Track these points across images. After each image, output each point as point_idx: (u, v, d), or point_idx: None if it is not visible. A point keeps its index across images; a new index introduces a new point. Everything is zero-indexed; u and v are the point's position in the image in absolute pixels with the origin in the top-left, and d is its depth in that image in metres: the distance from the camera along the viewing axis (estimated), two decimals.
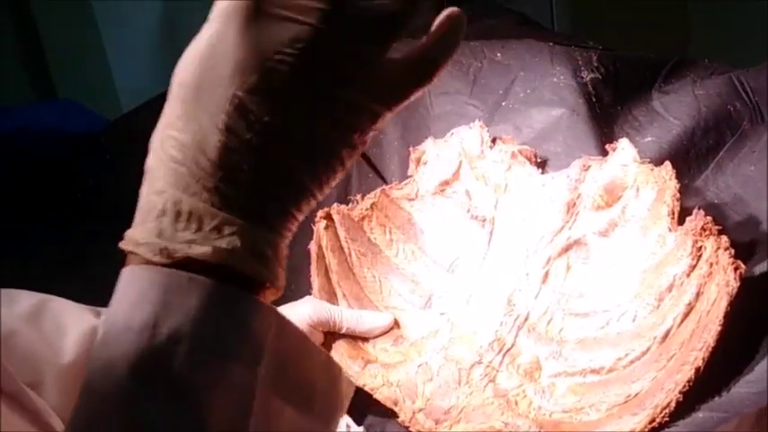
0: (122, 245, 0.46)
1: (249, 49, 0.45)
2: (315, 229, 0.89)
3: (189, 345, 0.42)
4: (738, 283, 0.65)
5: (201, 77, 0.45)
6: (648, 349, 0.68)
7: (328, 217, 0.89)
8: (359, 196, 0.94)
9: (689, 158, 0.88)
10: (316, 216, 0.89)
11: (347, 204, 0.93)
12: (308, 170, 0.47)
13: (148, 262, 0.45)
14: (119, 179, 1.10)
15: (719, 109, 0.91)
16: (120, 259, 0.47)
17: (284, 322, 0.48)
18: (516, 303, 0.77)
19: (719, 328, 0.64)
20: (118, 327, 0.43)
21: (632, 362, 0.68)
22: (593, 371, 0.69)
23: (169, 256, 0.44)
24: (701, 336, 0.64)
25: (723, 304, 0.64)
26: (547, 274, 0.79)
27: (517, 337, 0.75)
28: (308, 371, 0.50)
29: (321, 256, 0.87)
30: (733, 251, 0.68)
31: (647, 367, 0.67)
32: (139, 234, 0.45)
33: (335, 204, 0.91)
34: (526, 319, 0.76)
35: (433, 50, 0.49)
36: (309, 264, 0.88)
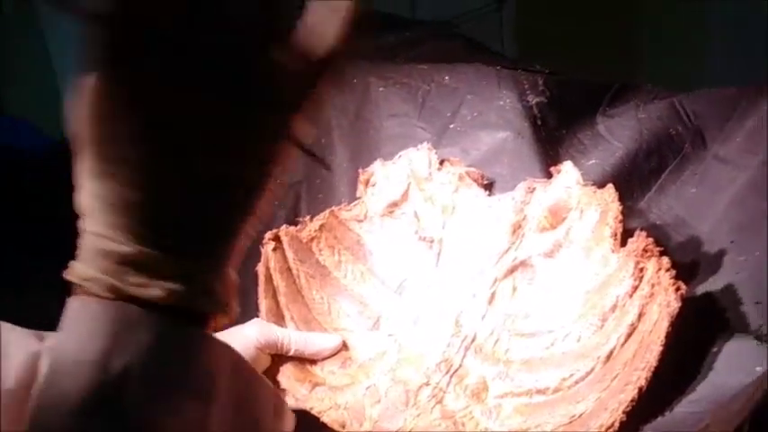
0: (69, 276, 0.45)
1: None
2: (263, 250, 0.88)
3: (141, 380, 0.42)
4: (679, 304, 0.66)
5: (102, 132, 0.44)
6: (593, 369, 0.68)
7: (276, 239, 0.89)
8: (308, 218, 0.94)
9: (632, 181, 0.90)
10: (264, 238, 0.89)
11: (296, 226, 0.92)
12: (240, 196, 0.46)
13: (96, 295, 0.44)
14: (65, 199, 1.10)
15: (661, 132, 0.93)
16: (62, 287, 0.46)
17: (239, 360, 0.48)
18: (463, 324, 0.78)
19: (661, 348, 0.64)
20: (68, 359, 0.42)
21: (577, 382, 0.69)
22: (539, 391, 0.70)
23: (118, 293, 0.43)
24: (643, 356, 0.65)
25: (664, 324, 0.65)
26: (493, 295, 0.80)
27: (464, 357, 0.75)
28: (256, 408, 0.50)
29: (269, 278, 0.87)
30: (674, 272, 0.69)
31: (591, 387, 0.67)
32: (85, 270, 0.44)
33: (284, 226, 0.91)
34: (473, 340, 0.76)
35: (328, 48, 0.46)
36: (257, 286, 0.88)
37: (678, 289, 0.67)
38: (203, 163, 0.44)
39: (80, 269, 0.45)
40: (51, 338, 0.47)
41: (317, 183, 1.09)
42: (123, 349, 0.42)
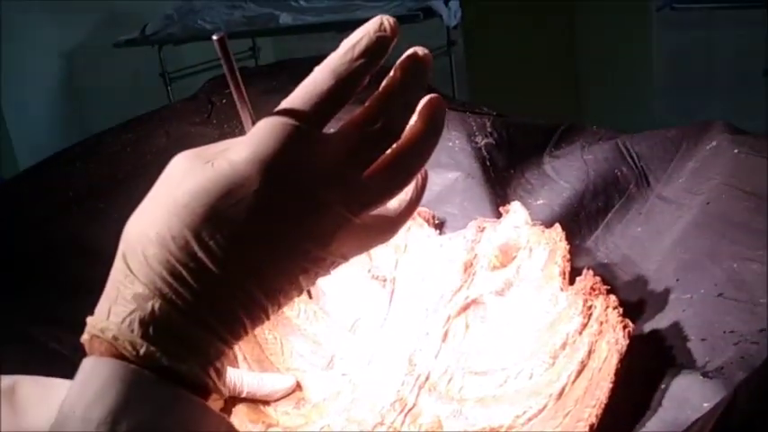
0: (94, 331, 0.47)
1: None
2: None
3: None
4: (627, 341, 0.67)
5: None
6: (545, 406, 0.69)
7: None
8: None
9: (579, 220, 0.92)
10: None
11: None
12: (266, 292, 0.49)
13: (116, 355, 0.46)
14: (13, 239, 1.08)
15: (607, 173, 0.95)
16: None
17: (231, 429, 0.51)
18: (417, 363, 0.78)
19: (611, 385, 0.66)
20: (75, 417, 0.44)
21: (530, 419, 0.69)
22: (493, 429, 0.70)
23: (147, 359, 0.45)
24: (593, 393, 0.66)
25: (614, 362, 0.67)
26: (446, 333, 0.80)
27: (418, 396, 0.75)
28: None
29: None
30: (621, 310, 0.71)
31: (543, 424, 0.68)
32: (116, 327, 0.46)
33: None
34: (427, 379, 0.77)
35: (407, 157, 0.53)
36: None
37: (626, 326, 0.69)
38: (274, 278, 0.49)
39: (107, 325, 0.47)
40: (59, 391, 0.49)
41: None
42: (132, 412, 0.44)
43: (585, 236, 0.91)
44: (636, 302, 0.78)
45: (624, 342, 0.67)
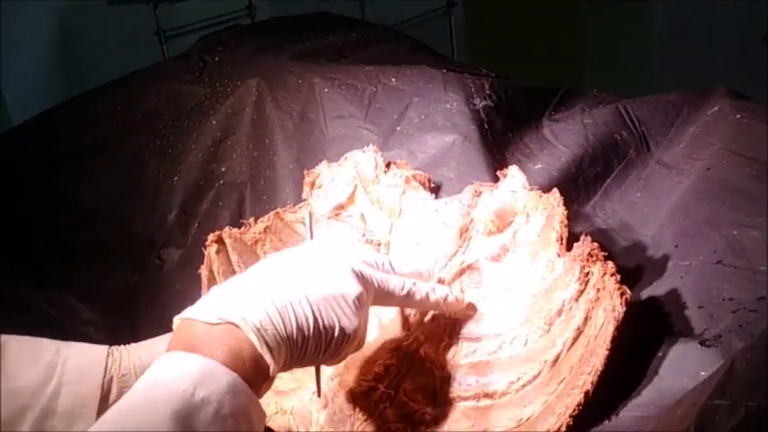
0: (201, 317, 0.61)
1: None
2: (206, 252, 0.87)
3: (214, 407, 0.56)
4: (624, 309, 0.66)
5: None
6: (540, 373, 0.68)
7: (220, 241, 0.87)
8: (252, 219, 0.92)
9: (577, 185, 0.91)
10: (207, 240, 0.87)
11: (239, 227, 0.91)
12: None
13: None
14: (3, 199, 1.07)
15: (607, 137, 0.94)
16: None
17: (263, 418, 0.62)
18: (411, 327, 0.77)
19: (607, 353, 0.65)
20: (164, 382, 0.57)
21: (524, 386, 0.69)
22: (487, 395, 0.70)
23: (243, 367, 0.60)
24: (589, 360, 0.65)
25: (610, 329, 0.66)
26: None
27: (412, 361, 0.75)
28: None
29: (212, 281, 0.85)
30: (619, 277, 0.69)
31: (538, 391, 0.67)
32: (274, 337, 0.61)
33: (227, 228, 0.90)
34: (421, 344, 0.76)
35: None
36: (199, 289, 0.86)
37: (623, 294, 0.67)
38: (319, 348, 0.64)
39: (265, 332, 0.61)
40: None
41: (261, 184, 1.08)
42: (205, 386, 0.56)
43: (584, 201, 0.89)
44: (634, 269, 0.77)
45: (621, 309, 0.66)
